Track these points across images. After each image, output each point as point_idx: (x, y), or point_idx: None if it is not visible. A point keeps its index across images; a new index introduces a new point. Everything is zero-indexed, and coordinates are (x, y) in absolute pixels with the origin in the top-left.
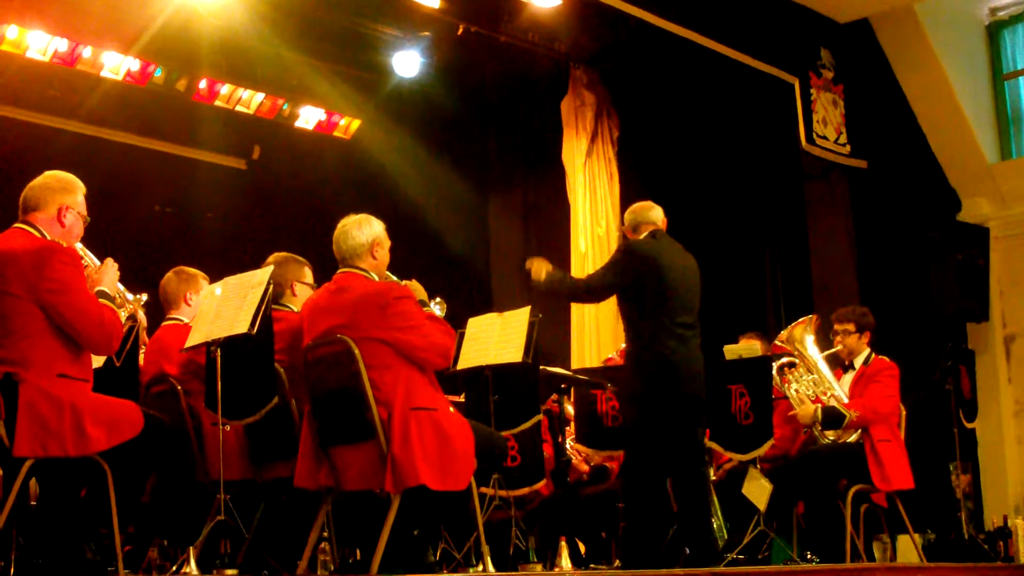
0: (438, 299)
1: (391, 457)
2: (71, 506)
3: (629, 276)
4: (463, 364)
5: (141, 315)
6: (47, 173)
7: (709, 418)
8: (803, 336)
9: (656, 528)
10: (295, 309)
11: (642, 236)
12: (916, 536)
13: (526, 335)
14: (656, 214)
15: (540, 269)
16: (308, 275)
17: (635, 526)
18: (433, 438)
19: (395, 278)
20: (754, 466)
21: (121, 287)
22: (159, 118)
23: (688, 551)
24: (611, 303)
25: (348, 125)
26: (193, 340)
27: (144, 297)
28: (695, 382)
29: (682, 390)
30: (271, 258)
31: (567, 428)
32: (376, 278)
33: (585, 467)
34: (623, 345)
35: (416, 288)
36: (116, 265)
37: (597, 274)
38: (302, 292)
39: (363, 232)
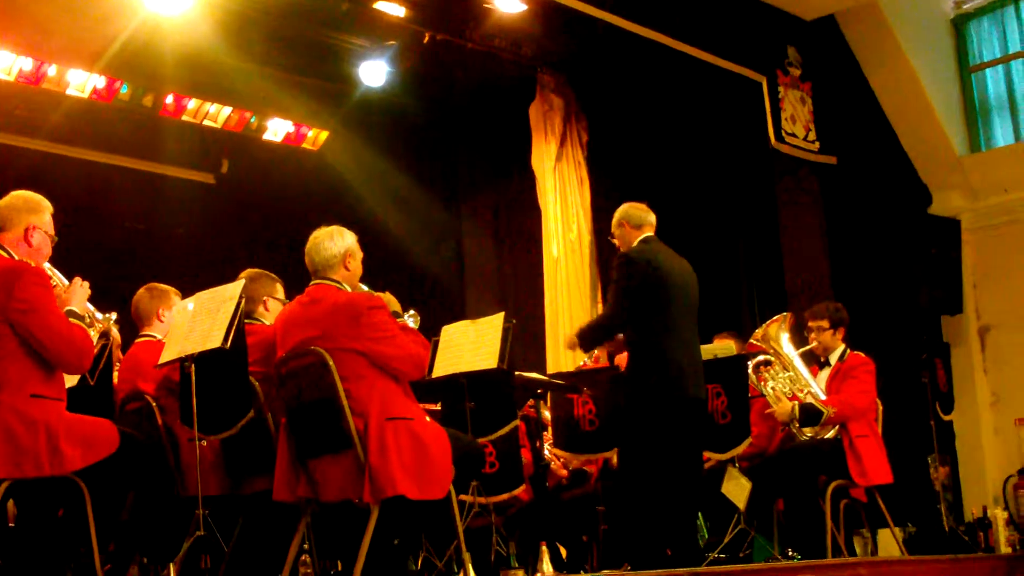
0: (412, 312)
1: (369, 467)
2: (49, 526)
3: (635, 285)
4: (438, 372)
5: (115, 332)
6: (13, 193)
7: None
8: (778, 334)
9: (655, 528)
10: (267, 324)
11: (635, 242)
12: (896, 530)
13: (500, 341)
14: (652, 218)
15: (571, 340)
16: (280, 291)
17: (637, 526)
18: (410, 448)
19: (368, 289)
20: (733, 465)
21: (91, 306)
22: (126, 134)
23: (669, 552)
24: (584, 306)
25: (316, 136)
26: (167, 356)
27: (113, 316)
28: (700, 386)
29: (689, 395)
30: (243, 274)
31: (544, 433)
32: (349, 289)
33: (564, 472)
34: (596, 351)
35: (390, 300)
36: (86, 284)
37: (614, 300)
38: (274, 308)
39: (335, 244)
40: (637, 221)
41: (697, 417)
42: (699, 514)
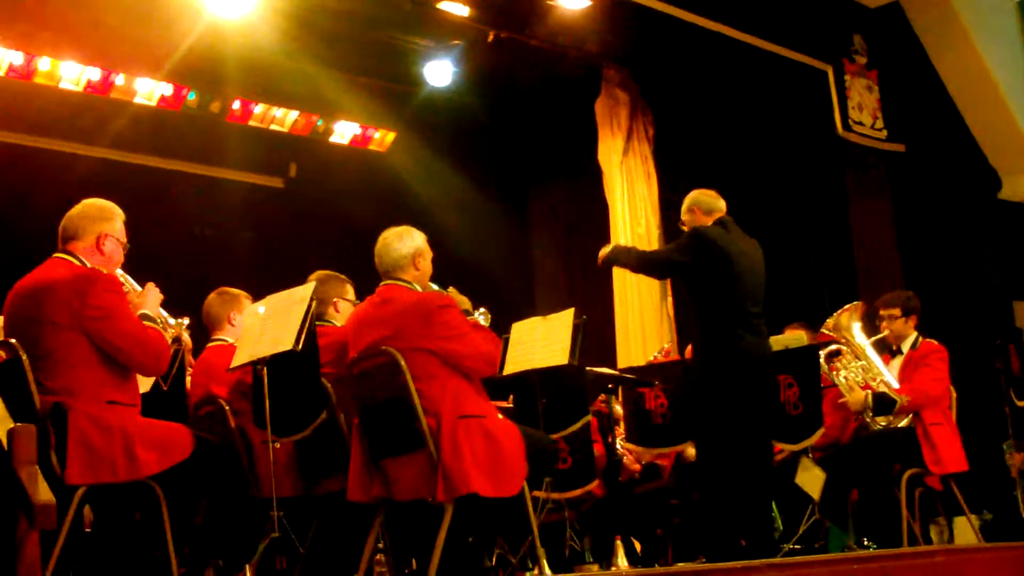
0: (482, 309)
1: (442, 466)
2: (125, 531)
3: (693, 257)
4: (509, 369)
5: (186, 337)
6: (85, 202)
7: None
8: (849, 323)
9: (731, 519)
10: (338, 325)
11: (710, 224)
12: (973, 517)
13: (571, 337)
14: (722, 204)
15: (604, 250)
16: (350, 292)
17: (713, 518)
18: (483, 445)
19: (438, 288)
20: (806, 455)
21: (163, 311)
22: (194, 141)
23: (745, 543)
24: (654, 301)
25: (383, 138)
26: (239, 359)
27: (186, 321)
28: (768, 373)
29: (759, 379)
30: (313, 276)
31: (616, 428)
32: (419, 289)
33: (636, 466)
34: (666, 344)
35: (459, 298)
36: (158, 289)
37: (663, 249)
38: (345, 309)
39: (405, 244)
40: (707, 207)
41: (767, 404)
42: (773, 505)
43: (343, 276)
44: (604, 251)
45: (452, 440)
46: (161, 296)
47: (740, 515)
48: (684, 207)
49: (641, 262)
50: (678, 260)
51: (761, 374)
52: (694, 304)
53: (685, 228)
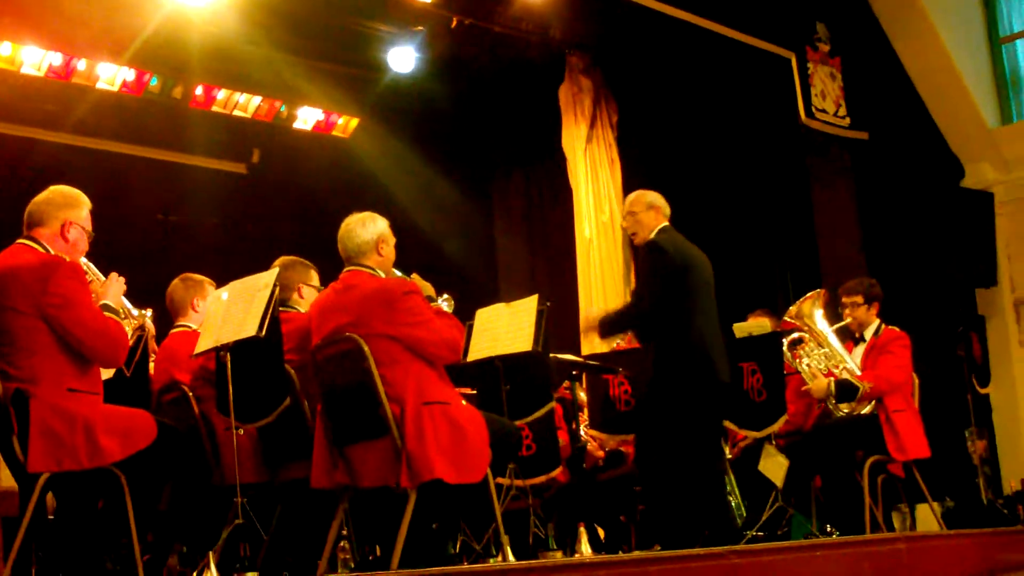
0: (446, 295)
1: (406, 452)
2: (88, 518)
3: (669, 275)
4: (473, 356)
5: (149, 324)
6: (51, 188)
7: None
8: (812, 311)
9: (687, 508)
10: (302, 311)
11: (657, 229)
12: (935, 504)
13: (535, 324)
14: (668, 208)
15: (593, 320)
16: (314, 278)
17: (668, 505)
18: (447, 432)
19: (401, 274)
20: (769, 443)
21: (126, 301)
22: (157, 126)
23: (707, 532)
24: (618, 288)
25: (346, 124)
26: (202, 346)
27: (149, 312)
28: (726, 371)
29: (719, 379)
30: (277, 262)
31: (580, 414)
32: (382, 275)
33: (600, 453)
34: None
35: (422, 284)
36: (122, 280)
37: (646, 290)
38: (309, 295)
39: (368, 230)
40: (665, 210)
41: (725, 401)
42: (736, 492)
43: (307, 262)
44: (591, 325)
45: (416, 426)
46: (124, 287)
47: (696, 506)
48: (643, 202)
49: (634, 319)
50: (659, 284)
51: (723, 374)
52: (650, 300)
53: (627, 222)
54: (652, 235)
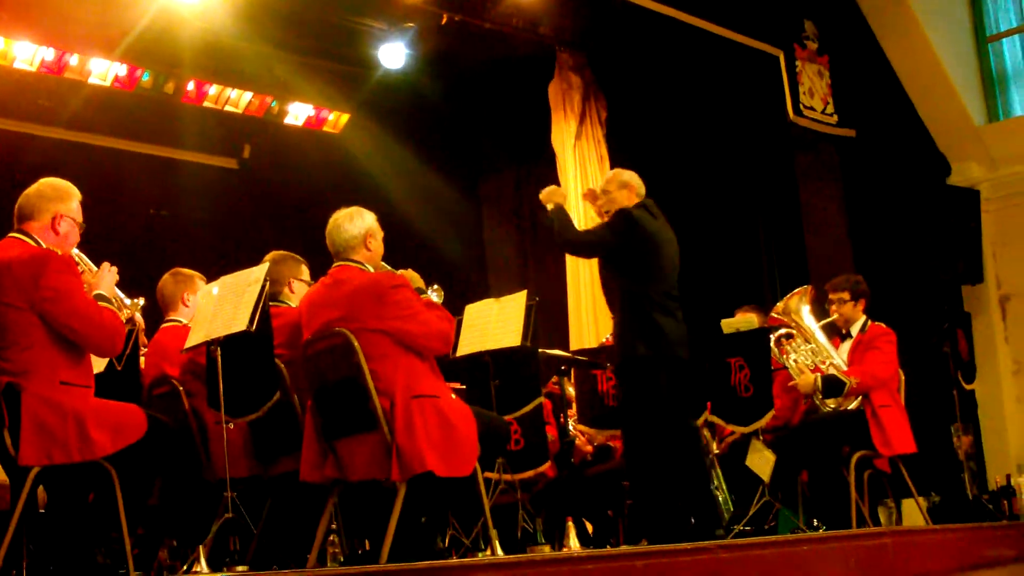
0: (435, 286)
1: (396, 446)
2: (79, 512)
3: (625, 242)
4: (462, 351)
5: (139, 318)
6: (41, 181)
7: (710, 392)
8: (799, 307)
9: (671, 499)
10: (293, 306)
11: (633, 204)
12: (920, 499)
13: (524, 319)
14: (643, 187)
15: (552, 198)
16: (305, 272)
17: (652, 499)
18: (436, 425)
19: (390, 268)
20: (756, 437)
21: (118, 291)
22: (149, 121)
23: (693, 520)
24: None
25: (337, 120)
26: (193, 340)
27: (141, 301)
28: (683, 346)
29: (677, 354)
30: (269, 256)
31: (569, 409)
32: (371, 269)
33: (589, 447)
34: None
35: (412, 277)
36: (114, 270)
37: (596, 232)
38: (300, 289)
39: (355, 225)
40: (639, 188)
41: (683, 379)
42: (724, 487)
43: (298, 256)
44: (549, 203)
45: (406, 419)
46: (116, 277)
47: (676, 498)
48: (617, 182)
49: (573, 240)
50: (610, 240)
51: (678, 357)
52: (616, 286)
53: (602, 199)
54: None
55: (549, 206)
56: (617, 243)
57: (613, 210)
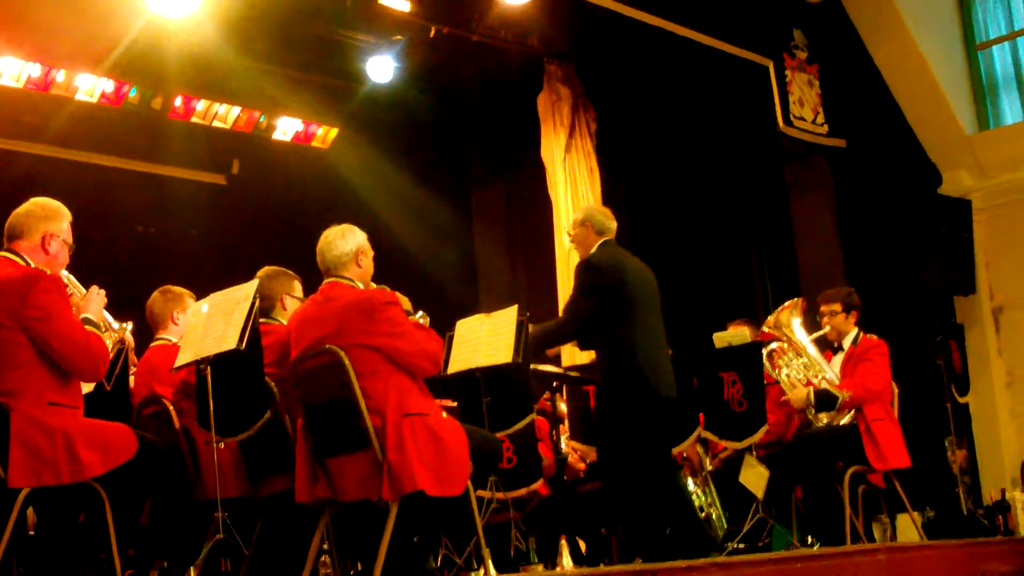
0: (421, 312)
1: (387, 464)
2: (69, 533)
3: (602, 293)
4: (453, 367)
5: (129, 337)
6: (31, 200)
7: (703, 407)
8: (790, 320)
9: (656, 520)
10: (285, 323)
11: (597, 245)
12: (915, 514)
13: (515, 335)
14: (614, 225)
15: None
16: (298, 288)
17: (637, 522)
18: (428, 443)
19: (377, 286)
20: (750, 453)
21: (107, 314)
22: (136, 138)
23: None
24: None
25: (326, 134)
26: (182, 359)
27: (130, 325)
28: (671, 385)
29: (662, 394)
30: (261, 272)
31: (561, 426)
32: (361, 286)
33: (581, 465)
34: None
35: (401, 299)
36: (102, 292)
37: (575, 306)
38: (292, 306)
39: (347, 242)
40: (600, 227)
41: (669, 415)
42: (717, 503)
43: (291, 272)
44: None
45: (397, 438)
46: (104, 300)
47: (660, 517)
48: (577, 219)
49: (559, 336)
50: (587, 303)
51: (664, 387)
52: (592, 326)
53: (570, 238)
54: (592, 251)
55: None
56: (596, 298)
57: (581, 251)
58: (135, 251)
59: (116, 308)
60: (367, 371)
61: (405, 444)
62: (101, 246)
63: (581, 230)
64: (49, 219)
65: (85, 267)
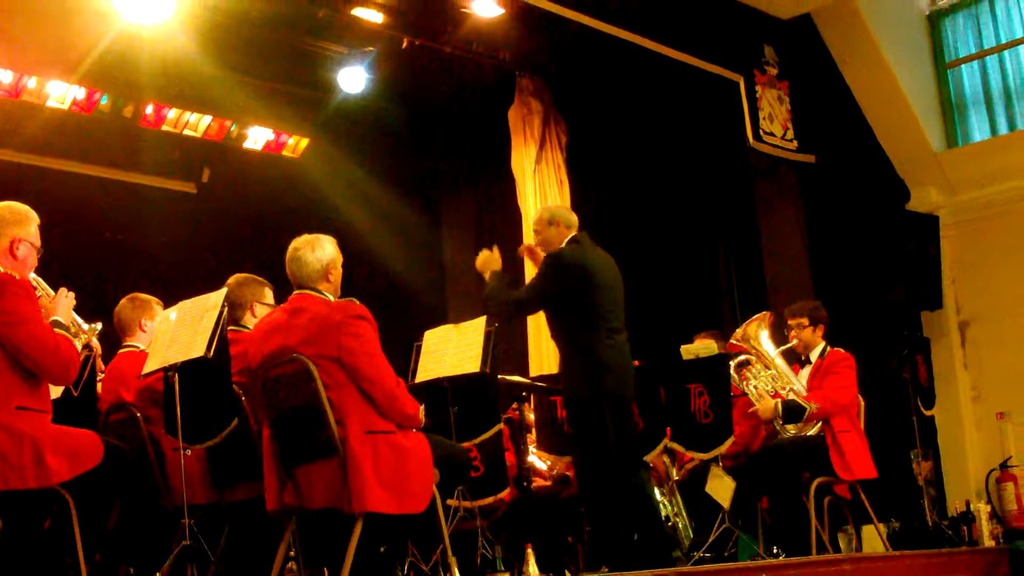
0: None
1: (348, 480)
2: (35, 539)
3: (561, 287)
4: (421, 377)
5: (96, 343)
6: None
7: (669, 418)
8: (757, 333)
9: (624, 526)
10: None
11: (564, 242)
12: (880, 525)
13: (483, 345)
14: (575, 218)
15: (488, 266)
16: (268, 295)
17: (604, 528)
18: (390, 463)
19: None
20: (716, 464)
21: (76, 316)
22: (107, 145)
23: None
24: None
25: (296, 144)
26: (150, 366)
27: (99, 326)
28: (627, 385)
29: (622, 393)
30: (231, 279)
31: (528, 435)
32: (332, 299)
33: (548, 483)
34: None
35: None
36: (71, 295)
37: (532, 290)
38: (262, 313)
39: (316, 256)
40: (568, 221)
41: (625, 416)
42: (684, 514)
43: (261, 279)
44: (483, 269)
45: (358, 456)
46: (73, 302)
47: (627, 528)
48: (544, 219)
49: (512, 309)
50: (547, 296)
51: (622, 398)
52: (556, 322)
53: (537, 239)
54: (562, 246)
55: (486, 274)
56: (555, 291)
57: (548, 250)
58: (104, 258)
59: (84, 315)
60: (332, 383)
61: (365, 464)
62: (70, 253)
63: (553, 230)
64: (17, 223)
65: (53, 274)
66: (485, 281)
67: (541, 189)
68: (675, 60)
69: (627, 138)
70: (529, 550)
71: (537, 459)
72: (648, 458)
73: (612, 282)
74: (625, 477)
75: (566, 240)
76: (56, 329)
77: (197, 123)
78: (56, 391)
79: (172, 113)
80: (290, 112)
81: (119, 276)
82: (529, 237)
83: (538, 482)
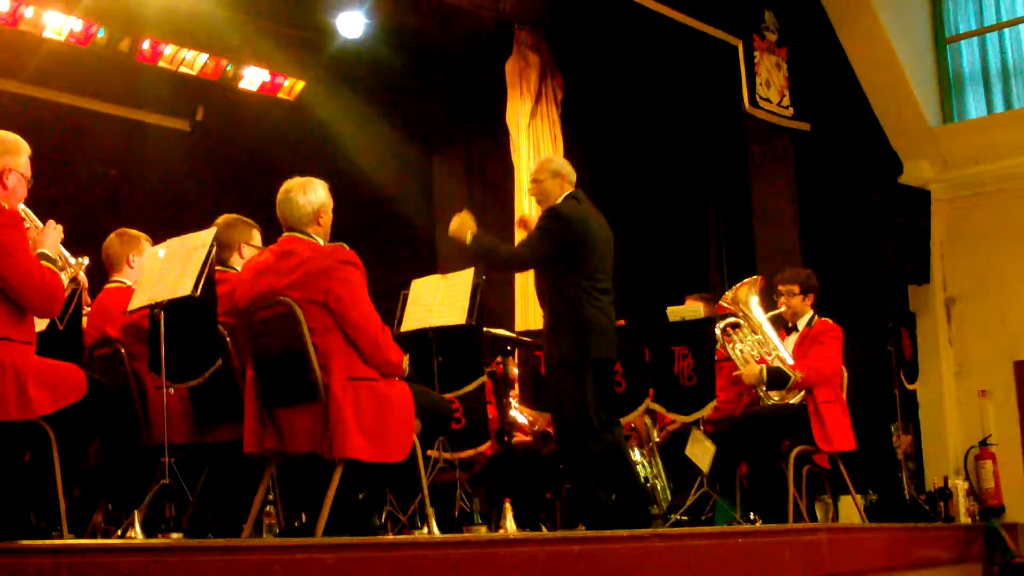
0: None
1: (330, 426)
2: (14, 470)
3: (560, 242)
4: (407, 326)
5: (83, 277)
6: None
7: (652, 380)
8: (748, 297)
9: (603, 484)
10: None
11: (563, 197)
12: (858, 497)
13: (470, 297)
14: (575, 175)
15: (465, 229)
16: (256, 237)
17: (582, 486)
18: (371, 410)
19: (336, 243)
20: (697, 427)
21: (63, 250)
22: (102, 79)
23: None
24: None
25: (292, 86)
26: (136, 303)
27: (86, 260)
28: (612, 347)
29: (607, 354)
30: (220, 220)
31: (511, 390)
32: (321, 242)
33: (528, 438)
34: None
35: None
36: (59, 228)
37: (531, 244)
38: (249, 254)
39: (308, 199)
40: (570, 177)
41: (608, 377)
42: (663, 475)
43: (250, 220)
44: (461, 235)
45: (340, 402)
46: (61, 235)
47: (604, 488)
48: (549, 169)
49: (506, 262)
50: (547, 252)
51: (606, 359)
52: (545, 279)
53: (535, 189)
54: (558, 202)
55: (466, 238)
56: (552, 245)
57: (544, 201)
58: (95, 192)
59: (73, 249)
60: (319, 328)
61: (347, 410)
62: (63, 185)
63: (555, 182)
64: (7, 153)
65: (45, 206)
66: (465, 244)
67: (535, 143)
68: (675, 21)
69: (623, 97)
70: (507, 504)
71: (519, 414)
72: (629, 418)
73: (606, 242)
74: (602, 434)
75: (564, 195)
76: (43, 262)
77: (194, 60)
78: (41, 324)
79: (168, 49)
80: (287, 54)
81: (110, 210)
82: (521, 190)
83: (519, 437)
